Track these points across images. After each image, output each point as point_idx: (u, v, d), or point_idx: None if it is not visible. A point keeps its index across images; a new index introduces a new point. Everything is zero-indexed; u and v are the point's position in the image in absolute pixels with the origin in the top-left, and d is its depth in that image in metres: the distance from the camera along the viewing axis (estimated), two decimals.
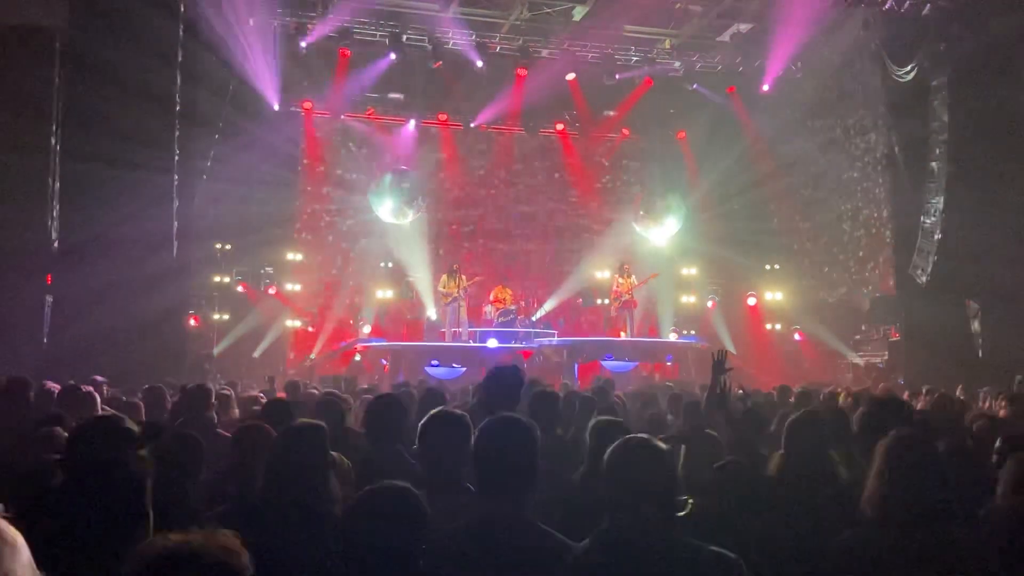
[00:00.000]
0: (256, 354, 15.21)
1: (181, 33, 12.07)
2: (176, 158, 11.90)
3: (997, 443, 3.59)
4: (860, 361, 15.29)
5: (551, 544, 2.32)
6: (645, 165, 19.79)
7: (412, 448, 3.31)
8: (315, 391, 7.71)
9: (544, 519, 2.43)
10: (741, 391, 4.19)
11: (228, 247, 15.35)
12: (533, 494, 2.43)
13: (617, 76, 16.75)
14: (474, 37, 15.92)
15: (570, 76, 17.10)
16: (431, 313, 16.63)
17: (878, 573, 2.40)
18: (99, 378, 7.15)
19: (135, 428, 2.64)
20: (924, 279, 12.85)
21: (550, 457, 3.17)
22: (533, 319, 16.89)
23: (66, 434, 3.37)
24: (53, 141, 11.49)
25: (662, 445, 2.25)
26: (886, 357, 14.67)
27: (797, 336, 16.77)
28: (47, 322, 11.02)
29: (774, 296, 17.31)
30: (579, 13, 15.29)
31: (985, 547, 2.41)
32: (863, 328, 15.83)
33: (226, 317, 15.28)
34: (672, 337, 16.97)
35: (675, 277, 18.11)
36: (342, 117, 17.70)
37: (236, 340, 14.96)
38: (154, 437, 2.69)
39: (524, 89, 16.89)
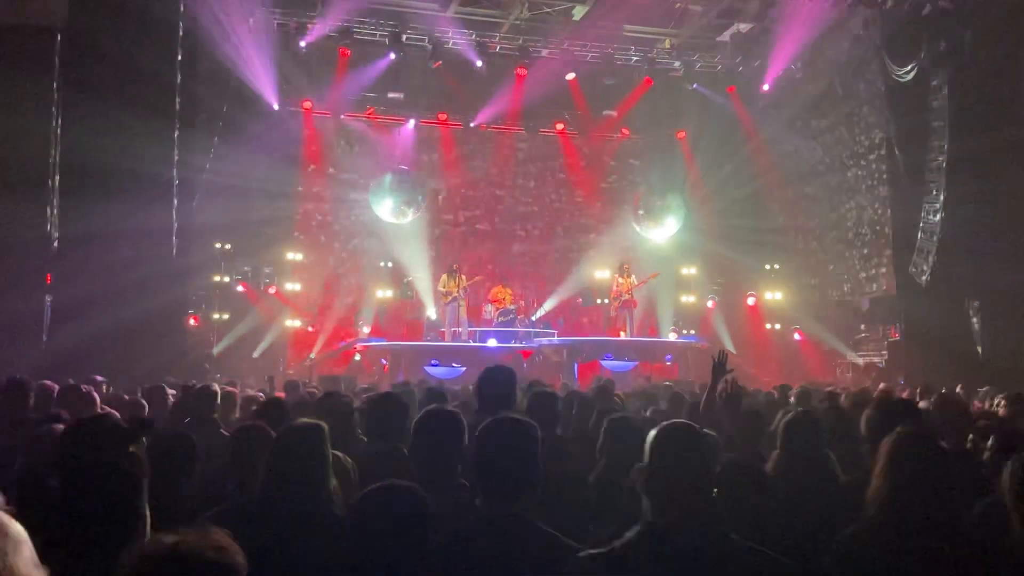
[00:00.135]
0: (256, 354, 15.20)
1: (181, 32, 12.07)
2: (176, 157, 11.90)
3: (990, 441, 3.62)
4: (860, 361, 15.29)
5: (553, 544, 2.32)
6: (645, 165, 19.78)
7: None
8: (314, 391, 7.70)
9: (546, 519, 2.42)
10: (733, 390, 4.18)
11: (228, 247, 15.34)
12: (535, 494, 2.43)
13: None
14: (474, 37, 15.93)
15: (570, 76, 17.11)
16: (431, 313, 16.63)
17: (881, 572, 2.39)
18: (99, 378, 7.15)
19: (126, 426, 2.64)
20: (924, 278, 12.85)
21: (551, 457, 3.16)
22: (533, 319, 16.89)
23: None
24: (53, 141, 11.49)
25: (703, 431, 2.23)
26: (886, 357, 14.66)
27: (797, 336, 16.76)
28: (47, 322, 11.02)
29: (774, 296, 17.30)
30: (579, 13, 15.30)
31: (987, 545, 2.41)
32: (863, 328, 15.83)
33: (226, 317, 15.28)
34: (672, 337, 16.98)
35: (675, 277, 18.10)
36: (342, 117, 17.70)
37: (236, 340, 14.94)
38: (142, 433, 2.68)
39: (524, 89, 16.89)
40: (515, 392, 4.41)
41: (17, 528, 1.43)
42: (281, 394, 7.58)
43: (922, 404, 5.23)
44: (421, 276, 16.95)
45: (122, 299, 10.27)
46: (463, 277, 15.68)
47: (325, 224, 17.93)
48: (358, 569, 2.14)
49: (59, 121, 11.50)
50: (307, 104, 16.95)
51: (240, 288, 15.68)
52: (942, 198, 12.53)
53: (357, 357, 15.56)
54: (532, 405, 4.16)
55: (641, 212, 18.37)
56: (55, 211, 11.46)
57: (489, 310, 16.56)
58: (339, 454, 3.19)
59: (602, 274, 17.57)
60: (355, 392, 7.88)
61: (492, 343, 14.82)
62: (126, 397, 6.37)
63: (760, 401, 6.57)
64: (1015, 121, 11.71)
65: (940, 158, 12.60)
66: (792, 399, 6.84)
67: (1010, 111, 11.83)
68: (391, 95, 17.31)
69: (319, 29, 15.21)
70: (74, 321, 10.28)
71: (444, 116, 18.07)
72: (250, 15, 14.08)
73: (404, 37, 15.74)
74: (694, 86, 17.37)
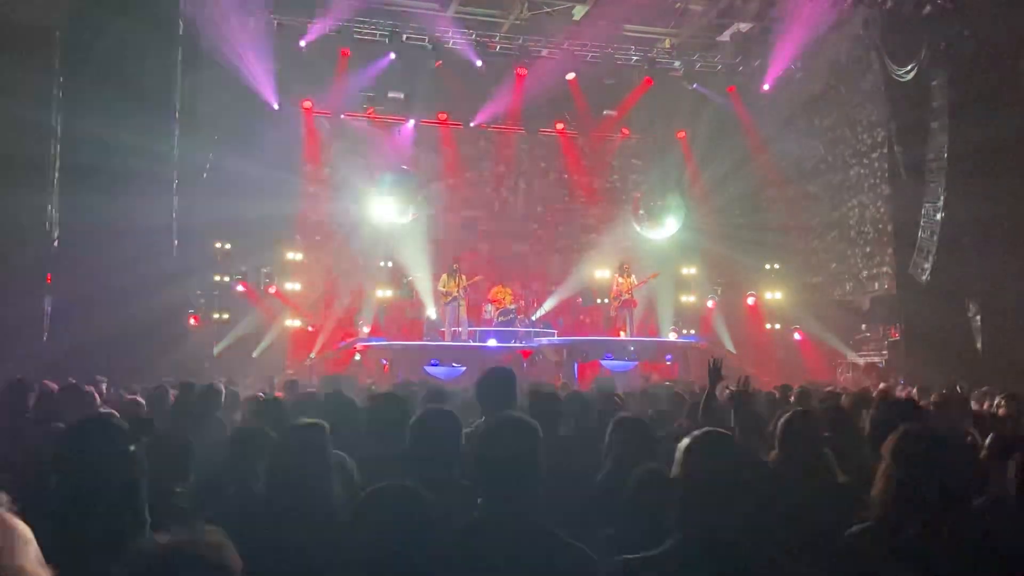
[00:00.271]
0: (256, 354, 15.21)
1: (181, 32, 12.07)
2: (176, 156, 11.89)
3: (988, 439, 3.63)
4: (860, 361, 15.28)
5: (554, 544, 2.32)
6: (645, 165, 19.79)
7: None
8: (314, 391, 7.69)
9: (547, 519, 2.42)
10: (730, 389, 4.16)
11: (228, 247, 15.34)
12: (536, 494, 2.42)
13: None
14: (474, 36, 15.94)
15: (570, 76, 17.11)
16: (431, 313, 16.62)
17: (885, 570, 2.39)
18: (99, 378, 7.15)
19: (125, 427, 2.64)
20: (924, 277, 12.85)
21: (552, 457, 3.16)
22: (533, 318, 16.89)
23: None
24: (53, 140, 11.49)
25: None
26: (886, 357, 14.66)
27: (797, 336, 16.77)
28: (47, 322, 11.02)
29: (774, 296, 17.31)
30: (579, 12, 15.30)
31: (989, 543, 2.41)
32: (863, 328, 15.82)
33: (226, 317, 15.28)
34: (672, 337, 16.97)
35: (675, 277, 18.11)
36: (342, 116, 17.70)
37: (236, 340, 14.95)
38: (142, 434, 2.68)
39: (524, 89, 16.90)
40: (515, 393, 4.41)
41: (24, 527, 1.43)
42: (280, 394, 7.58)
43: (922, 403, 5.24)
44: (421, 276, 16.95)
45: (122, 299, 10.27)
46: (463, 277, 15.67)
47: (325, 224, 17.92)
48: (360, 569, 2.14)
49: (59, 120, 11.50)
50: (307, 104, 16.95)
51: (240, 288, 15.68)
52: (942, 198, 12.53)
53: (357, 357, 15.55)
54: (533, 405, 4.16)
55: (641, 212, 18.36)
56: (55, 210, 11.46)
57: (489, 310, 16.57)
58: (341, 454, 3.19)
59: (602, 274, 17.57)
60: (356, 392, 7.88)
61: (492, 343, 14.81)
62: (126, 397, 6.37)
63: (760, 401, 6.56)
64: (1015, 121, 11.71)
65: (940, 158, 12.60)
66: (792, 399, 6.83)
67: (1010, 110, 11.83)
68: (391, 95, 17.30)
69: (319, 28, 15.21)
70: (74, 321, 10.28)
71: (444, 116, 18.07)
72: (250, 14, 14.09)
73: (404, 37, 15.74)
74: (694, 86, 17.39)
